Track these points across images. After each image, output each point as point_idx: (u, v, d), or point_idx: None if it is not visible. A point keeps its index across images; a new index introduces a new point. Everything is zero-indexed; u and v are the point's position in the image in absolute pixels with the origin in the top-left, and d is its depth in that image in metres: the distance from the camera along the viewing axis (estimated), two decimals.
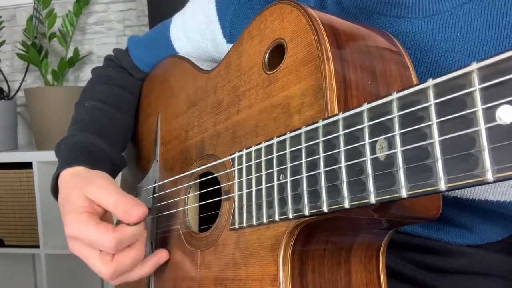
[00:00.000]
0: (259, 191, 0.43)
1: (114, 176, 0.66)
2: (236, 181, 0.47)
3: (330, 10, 0.55)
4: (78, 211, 0.52)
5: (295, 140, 0.39)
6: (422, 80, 0.49)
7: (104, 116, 0.70)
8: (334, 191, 0.34)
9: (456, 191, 0.52)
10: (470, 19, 0.48)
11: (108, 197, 0.52)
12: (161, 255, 0.59)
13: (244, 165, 0.46)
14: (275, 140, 0.41)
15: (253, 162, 0.44)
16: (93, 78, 0.79)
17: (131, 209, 0.50)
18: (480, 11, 0.48)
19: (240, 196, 0.46)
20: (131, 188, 0.78)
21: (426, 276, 0.59)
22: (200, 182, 0.59)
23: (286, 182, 0.39)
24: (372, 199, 0.31)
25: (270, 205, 0.41)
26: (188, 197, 0.59)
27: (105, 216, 0.55)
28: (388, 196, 0.30)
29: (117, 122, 0.72)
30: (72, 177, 0.57)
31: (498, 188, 0.51)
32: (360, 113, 0.32)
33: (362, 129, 0.32)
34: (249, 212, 0.44)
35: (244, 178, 0.45)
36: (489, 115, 0.24)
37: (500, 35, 0.47)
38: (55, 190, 0.61)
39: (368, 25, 0.47)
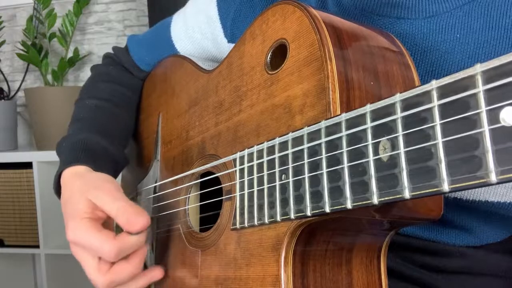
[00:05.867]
0: (260, 191, 0.43)
1: (116, 174, 0.66)
2: (237, 181, 0.47)
3: (330, 11, 0.55)
4: (80, 216, 0.51)
5: (298, 140, 0.39)
6: (422, 81, 0.49)
7: (105, 114, 0.70)
8: (336, 191, 0.34)
9: (457, 192, 0.52)
10: (470, 20, 0.48)
11: (112, 204, 0.51)
12: (155, 274, 0.58)
13: (246, 165, 0.46)
14: (277, 141, 0.41)
15: (255, 162, 0.44)
16: (93, 75, 0.78)
17: (134, 218, 0.50)
18: (479, 12, 0.48)
19: (242, 196, 0.46)
20: (132, 187, 0.77)
21: (426, 276, 0.59)
22: (201, 182, 0.59)
23: (288, 182, 0.39)
24: (375, 200, 0.31)
25: (271, 205, 0.41)
26: (189, 197, 0.59)
27: (106, 223, 0.55)
28: (390, 197, 0.30)
29: (118, 120, 0.71)
30: (75, 177, 0.57)
31: (498, 189, 0.51)
32: (363, 114, 0.32)
33: (365, 130, 0.32)
34: (251, 212, 0.44)
35: (246, 178, 0.45)
36: (493, 116, 0.24)
37: (499, 36, 0.47)
38: (57, 189, 0.60)
39: (370, 26, 0.47)
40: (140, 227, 0.50)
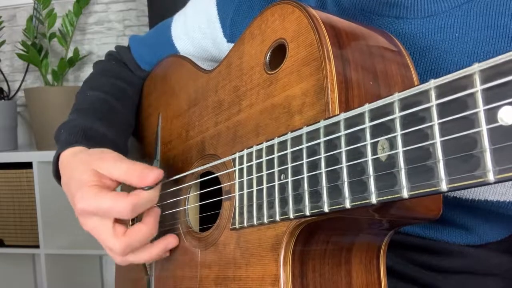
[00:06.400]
0: (260, 191, 0.43)
1: None
2: (237, 181, 0.47)
3: (329, 11, 0.55)
4: (87, 185, 0.50)
5: (296, 140, 0.39)
6: (421, 80, 0.49)
7: (106, 105, 0.69)
8: (335, 191, 0.34)
9: (456, 191, 0.52)
10: (468, 19, 0.48)
11: (120, 167, 0.50)
12: (171, 240, 0.57)
13: (245, 165, 0.46)
14: (276, 141, 0.41)
15: (254, 162, 0.44)
16: (96, 70, 0.79)
17: (146, 172, 0.49)
18: (478, 12, 0.48)
19: (241, 196, 0.46)
20: (132, 187, 0.77)
21: (426, 275, 0.59)
22: (200, 181, 0.59)
23: (287, 182, 0.39)
24: (373, 200, 0.31)
25: (271, 205, 0.41)
26: (188, 196, 0.59)
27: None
28: (389, 197, 0.30)
29: (118, 113, 0.71)
30: (75, 155, 0.56)
31: (498, 188, 0.51)
32: (362, 113, 0.32)
33: (363, 130, 0.32)
34: (250, 212, 0.44)
35: (245, 178, 0.45)
36: (491, 116, 0.24)
37: (498, 35, 0.47)
38: (57, 174, 0.60)
39: (368, 25, 0.48)
40: (153, 179, 0.49)
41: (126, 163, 0.51)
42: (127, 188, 0.78)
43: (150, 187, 0.50)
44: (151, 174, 0.49)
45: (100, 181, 0.51)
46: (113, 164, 0.51)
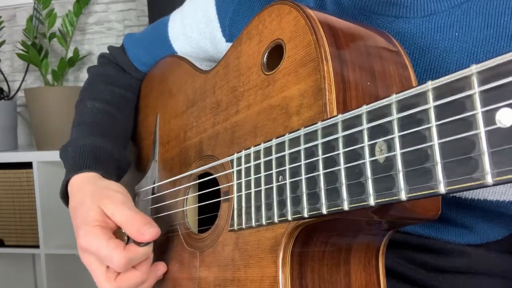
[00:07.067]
0: (258, 193, 0.43)
1: (119, 179, 0.66)
2: (235, 182, 0.47)
3: (329, 10, 0.55)
4: (91, 224, 0.52)
5: (294, 141, 0.38)
6: (420, 80, 0.49)
7: (108, 118, 0.70)
8: (333, 193, 0.34)
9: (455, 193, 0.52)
10: (468, 18, 0.48)
11: (123, 213, 0.52)
12: (159, 270, 0.58)
13: (243, 166, 0.45)
14: (274, 142, 0.41)
15: (252, 163, 0.44)
16: (92, 76, 0.78)
17: (144, 228, 0.50)
18: (478, 11, 0.48)
19: (239, 198, 0.46)
20: (130, 188, 0.77)
21: (425, 275, 0.59)
22: (199, 183, 0.59)
23: (285, 184, 0.39)
24: (372, 202, 0.31)
25: (269, 206, 0.41)
26: (187, 198, 0.59)
27: (117, 232, 0.55)
28: (387, 199, 0.30)
29: (120, 123, 0.71)
30: (85, 184, 0.57)
31: (497, 188, 0.50)
32: (359, 115, 0.32)
33: (361, 131, 0.32)
34: (248, 213, 0.44)
35: (243, 180, 0.45)
36: (489, 118, 0.24)
37: (498, 35, 0.47)
38: (65, 196, 0.61)
39: (367, 25, 0.47)
40: (150, 237, 0.50)
41: (128, 211, 0.52)
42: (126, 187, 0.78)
43: (146, 244, 0.51)
44: (148, 233, 0.50)
45: (104, 221, 0.53)
46: (118, 208, 0.52)
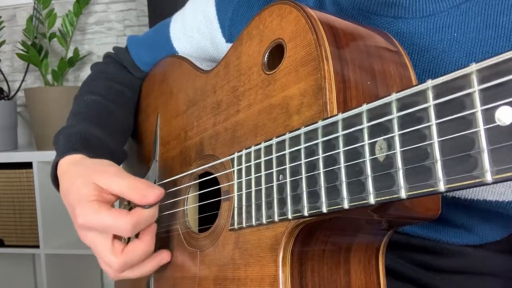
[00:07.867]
0: (258, 192, 0.43)
1: None
2: (235, 181, 0.47)
3: (328, 11, 0.55)
4: (87, 200, 0.50)
5: (295, 140, 0.38)
6: (419, 80, 0.49)
7: (104, 110, 0.69)
8: (333, 191, 0.34)
9: (455, 191, 0.52)
10: (467, 19, 0.48)
11: (121, 182, 0.51)
12: (163, 256, 0.58)
13: (243, 165, 0.46)
14: (274, 141, 0.41)
15: (253, 162, 0.44)
16: (93, 73, 0.78)
17: (147, 190, 0.49)
18: (476, 11, 0.48)
19: (240, 197, 0.46)
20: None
21: (425, 275, 0.59)
22: (199, 182, 0.59)
23: (286, 182, 0.39)
24: (372, 200, 0.31)
25: (269, 205, 0.41)
26: (187, 197, 0.59)
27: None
28: (387, 197, 0.30)
29: (116, 117, 0.71)
30: (73, 165, 0.56)
31: (497, 188, 0.51)
32: (360, 114, 0.32)
33: (361, 130, 0.32)
34: (249, 212, 0.44)
35: (244, 179, 0.45)
36: (488, 116, 0.24)
37: (497, 35, 0.47)
38: (55, 180, 0.60)
39: (367, 25, 0.47)
40: (155, 198, 0.50)
41: (127, 179, 0.51)
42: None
43: (150, 206, 0.50)
44: (153, 193, 0.50)
45: (100, 196, 0.51)
46: (114, 179, 0.51)
